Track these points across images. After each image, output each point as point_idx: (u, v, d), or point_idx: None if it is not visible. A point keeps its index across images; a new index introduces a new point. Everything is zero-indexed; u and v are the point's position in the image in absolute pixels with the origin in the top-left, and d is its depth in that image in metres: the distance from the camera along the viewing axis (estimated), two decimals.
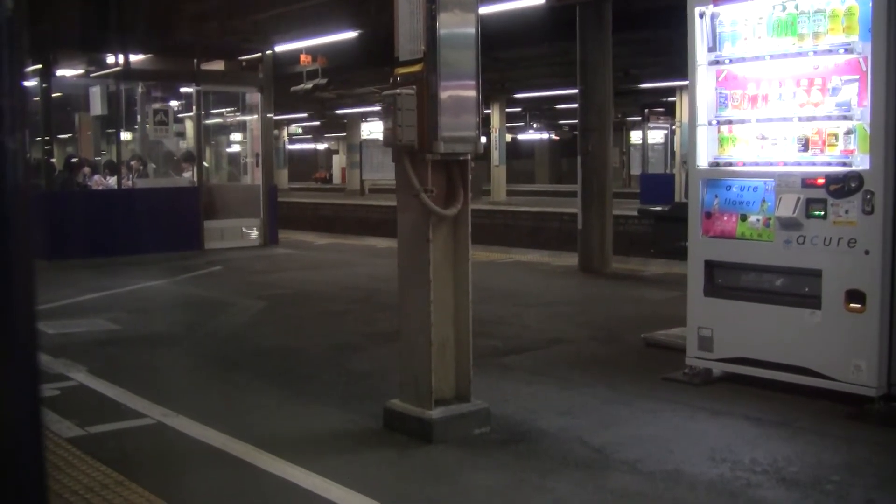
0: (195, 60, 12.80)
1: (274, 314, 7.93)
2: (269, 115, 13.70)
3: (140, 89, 13.34)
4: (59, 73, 12.77)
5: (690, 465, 3.79)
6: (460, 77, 4.13)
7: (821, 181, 4.59)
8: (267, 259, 12.13)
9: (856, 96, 4.49)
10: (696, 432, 4.29)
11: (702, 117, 5.13)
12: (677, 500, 3.44)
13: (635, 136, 32.95)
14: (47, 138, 11.90)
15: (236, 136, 17.09)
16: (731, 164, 5.06)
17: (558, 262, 11.41)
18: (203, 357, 6.20)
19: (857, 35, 4.45)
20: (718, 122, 5.10)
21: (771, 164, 4.86)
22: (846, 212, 4.49)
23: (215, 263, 11.37)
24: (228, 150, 18.00)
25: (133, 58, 12.73)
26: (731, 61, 5.01)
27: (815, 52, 4.62)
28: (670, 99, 23.05)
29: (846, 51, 4.49)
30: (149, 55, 13.56)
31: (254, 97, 13.71)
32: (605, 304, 8.23)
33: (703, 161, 5.15)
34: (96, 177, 12.70)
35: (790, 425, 4.32)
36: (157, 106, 13.18)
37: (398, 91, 4.09)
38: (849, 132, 4.55)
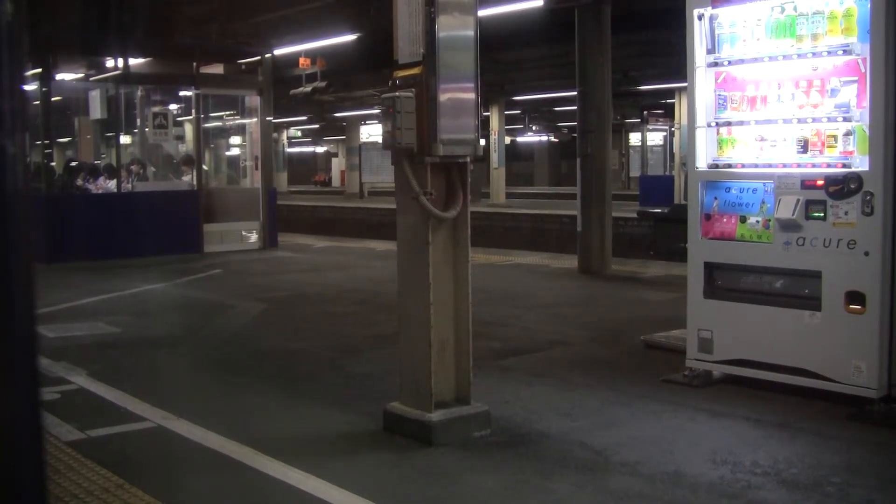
0: (194, 64, 12.81)
1: (274, 316, 7.93)
2: (268, 119, 13.71)
3: (139, 93, 13.36)
4: (59, 76, 12.78)
5: (691, 467, 3.79)
6: (459, 79, 4.14)
7: (820, 182, 4.59)
8: (266, 262, 12.14)
9: (855, 97, 4.49)
10: (696, 434, 4.29)
11: (701, 119, 5.13)
12: (678, 502, 3.43)
13: (634, 138, 33.04)
14: (47, 142, 11.91)
15: (236, 140, 17.10)
16: (730, 166, 5.06)
17: (558, 264, 11.41)
18: (203, 360, 6.20)
19: (855, 36, 4.45)
20: (717, 124, 5.11)
21: (770, 165, 4.86)
22: (846, 213, 4.49)
23: (215, 266, 11.37)
24: (228, 153, 18.01)
25: (132, 61, 12.74)
26: (729, 63, 5.01)
27: (813, 54, 4.63)
28: (669, 101, 23.06)
29: (845, 52, 4.49)
30: (148, 58, 13.57)
31: (253, 100, 13.72)
32: (604, 306, 8.24)
33: (702, 163, 5.15)
34: (100, 180, 12.69)
35: (790, 427, 4.32)
36: (156, 109, 13.20)
37: (397, 94, 4.09)
38: (848, 133, 4.55)
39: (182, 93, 13.77)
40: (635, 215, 15.50)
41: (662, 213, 12.67)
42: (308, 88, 17.01)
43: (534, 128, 38.02)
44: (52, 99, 12.16)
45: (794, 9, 4.71)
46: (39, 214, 10.97)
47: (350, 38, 16.12)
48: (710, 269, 5.13)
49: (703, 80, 5.12)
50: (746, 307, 4.94)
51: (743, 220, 4.98)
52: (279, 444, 4.15)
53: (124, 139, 13.71)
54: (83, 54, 12.89)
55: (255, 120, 13.82)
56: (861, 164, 4.46)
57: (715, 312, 5.07)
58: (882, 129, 4.36)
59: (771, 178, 4.82)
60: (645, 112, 24.44)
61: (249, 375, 5.69)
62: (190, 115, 13.32)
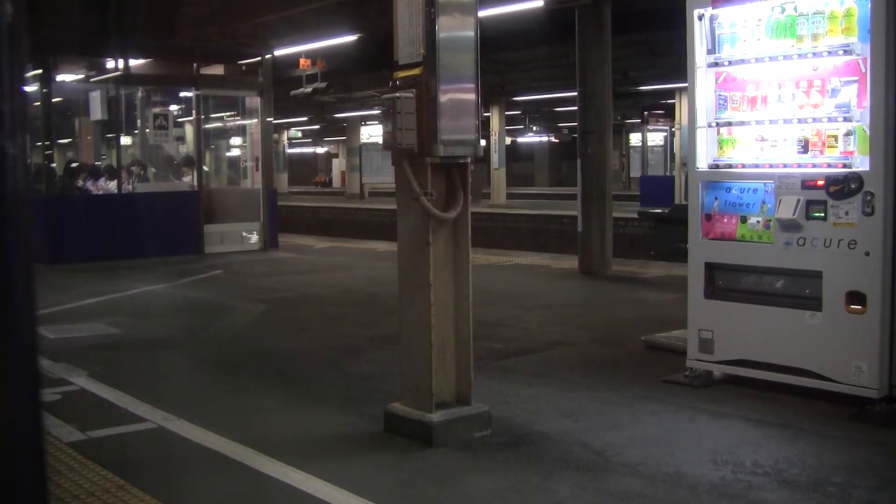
0: (195, 65, 12.81)
1: (274, 317, 7.93)
2: (268, 119, 13.71)
3: (140, 94, 13.37)
4: (60, 77, 12.78)
5: (692, 468, 3.79)
6: (460, 80, 4.14)
7: (821, 183, 4.59)
8: (267, 263, 12.14)
9: (855, 97, 4.49)
10: (697, 434, 4.29)
11: (701, 119, 5.13)
12: (678, 503, 3.43)
13: (635, 139, 32.99)
14: (47, 143, 11.91)
15: (236, 140, 17.11)
16: (730, 166, 5.06)
17: (558, 264, 11.41)
18: (203, 361, 6.20)
19: (856, 36, 4.45)
20: (718, 124, 5.11)
21: (771, 165, 4.86)
22: (846, 213, 4.49)
23: (215, 267, 11.37)
24: (228, 154, 18.02)
25: (133, 62, 12.74)
26: (730, 63, 5.01)
27: (814, 54, 4.63)
28: (670, 101, 23.05)
29: (845, 52, 4.49)
30: (149, 59, 13.57)
31: (253, 101, 13.72)
32: (605, 307, 8.23)
33: (702, 163, 5.15)
34: (101, 181, 12.68)
35: (791, 427, 4.32)
36: (157, 110, 13.20)
37: (397, 94, 4.09)
38: (848, 133, 4.55)
39: (182, 94, 13.76)
40: (636, 216, 15.48)
41: (663, 214, 12.65)
42: (308, 89, 17.00)
43: (534, 128, 38.02)
44: (53, 100, 12.16)
45: (795, 9, 4.70)
46: (40, 215, 10.97)
47: (350, 38, 16.13)
48: (711, 269, 5.13)
49: (704, 81, 5.11)
50: (747, 307, 4.93)
51: (743, 220, 4.98)
52: (280, 444, 4.15)
53: (125, 140, 13.71)
54: (84, 55, 12.89)
55: (255, 121, 13.82)
56: (861, 164, 4.46)
57: (715, 313, 5.07)
58: (882, 129, 4.35)
59: (771, 179, 4.82)
60: (645, 112, 24.42)
61: (250, 376, 5.69)
62: (190, 116, 13.32)
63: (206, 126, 13.98)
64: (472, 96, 4.19)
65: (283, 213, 19.43)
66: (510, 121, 31.10)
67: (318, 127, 39.55)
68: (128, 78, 12.56)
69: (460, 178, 4.27)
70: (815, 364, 4.62)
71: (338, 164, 48.70)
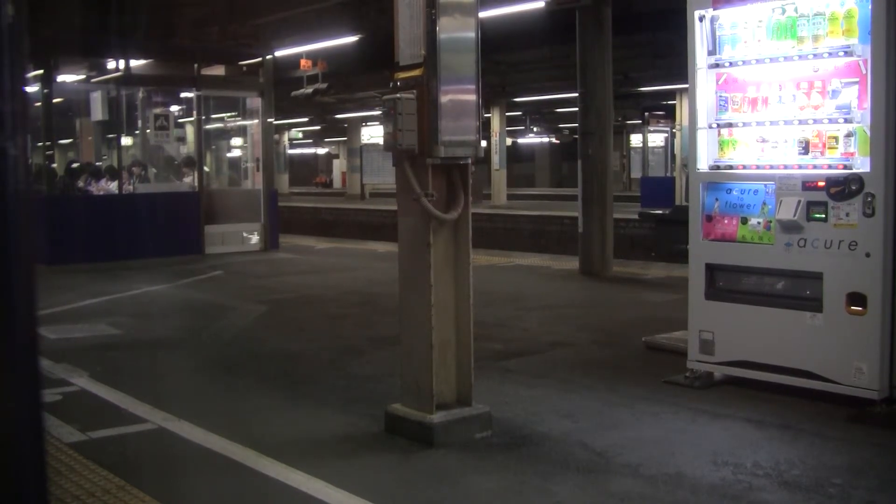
0: (196, 65, 12.81)
1: (275, 318, 7.93)
2: (269, 120, 13.71)
3: (141, 94, 13.37)
4: (61, 78, 12.78)
5: (692, 469, 3.79)
6: (460, 81, 4.14)
7: (821, 184, 4.59)
8: (268, 263, 12.14)
9: (856, 99, 4.49)
10: (697, 435, 4.29)
11: (702, 120, 5.13)
12: None
13: (635, 140, 32.98)
14: (48, 143, 11.91)
15: (237, 141, 17.11)
16: (731, 167, 5.06)
17: (559, 265, 11.41)
18: (204, 361, 6.20)
19: (856, 38, 4.45)
20: (719, 126, 5.11)
21: (771, 166, 4.86)
22: (847, 214, 4.49)
23: (216, 268, 11.38)
24: (229, 154, 18.02)
25: (134, 63, 12.75)
26: (730, 64, 5.01)
27: (814, 55, 4.63)
28: (670, 102, 23.05)
29: (846, 53, 4.49)
30: (149, 60, 13.57)
31: (254, 102, 13.72)
32: (605, 308, 8.23)
33: (703, 164, 5.15)
34: (102, 181, 12.68)
35: (792, 428, 4.32)
36: (157, 111, 13.20)
37: (398, 95, 4.09)
38: (849, 135, 4.55)
39: (183, 94, 13.77)
40: (636, 217, 15.48)
41: (663, 215, 12.64)
42: (309, 90, 17.01)
43: (535, 129, 38.00)
44: (54, 100, 12.17)
45: (795, 10, 4.71)
46: (41, 216, 10.97)
47: (351, 39, 16.12)
48: (712, 270, 5.13)
49: (705, 82, 5.11)
50: (748, 308, 4.93)
51: (744, 221, 4.98)
52: (280, 445, 4.15)
53: (125, 141, 13.71)
54: (84, 56, 12.90)
55: (256, 121, 13.82)
56: (862, 165, 4.46)
57: (716, 314, 5.07)
58: (883, 131, 4.36)
59: (772, 180, 4.82)
60: (646, 113, 24.42)
61: (250, 377, 5.69)
62: (191, 116, 13.32)
63: (207, 127, 13.98)
64: (472, 97, 4.19)
65: (284, 213, 19.43)
66: (511, 122, 31.09)
67: (318, 128, 39.55)
68: (129, 78, 12.57)
69: (461, 178, 4.27)
70: (815, 365, 4.62)
71: (338, 165, 48.69)
